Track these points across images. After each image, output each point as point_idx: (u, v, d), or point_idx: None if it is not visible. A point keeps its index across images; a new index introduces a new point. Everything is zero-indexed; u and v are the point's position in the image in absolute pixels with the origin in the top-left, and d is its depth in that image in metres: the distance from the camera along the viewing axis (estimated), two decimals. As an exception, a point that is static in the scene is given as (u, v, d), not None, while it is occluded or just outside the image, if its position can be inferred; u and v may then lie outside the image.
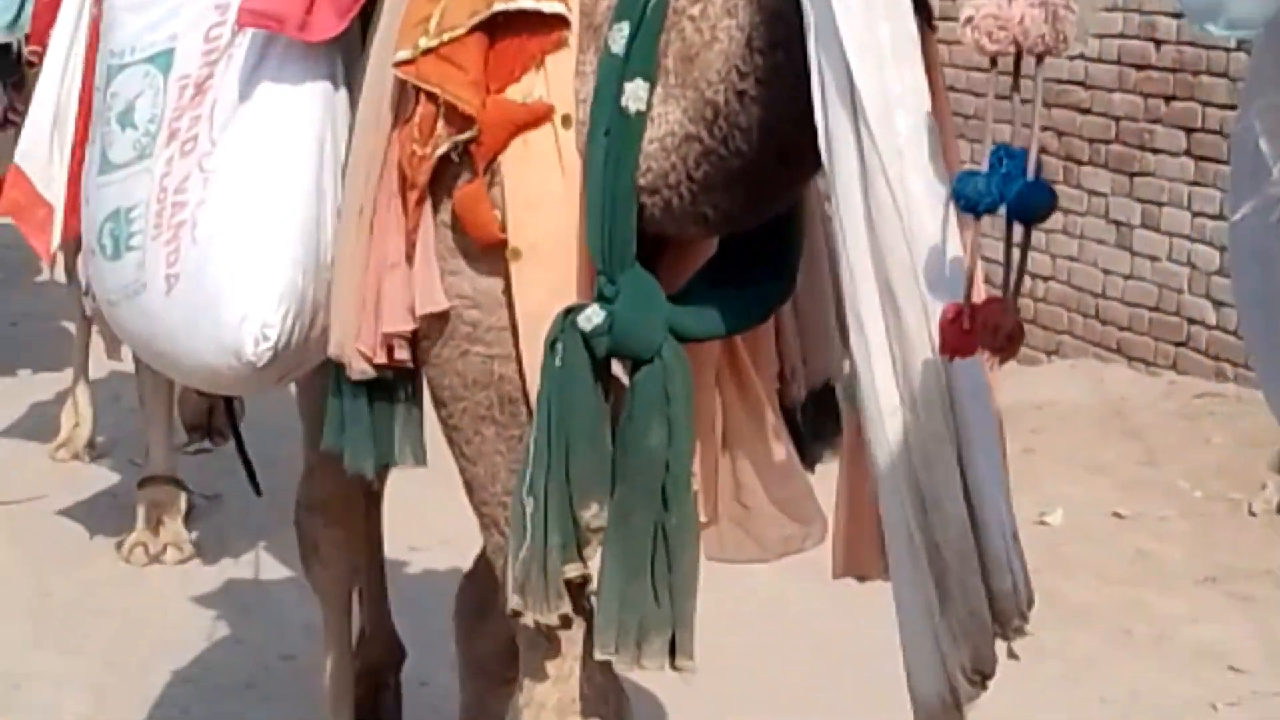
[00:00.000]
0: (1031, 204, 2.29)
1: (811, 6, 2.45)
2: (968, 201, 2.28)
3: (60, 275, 6.80)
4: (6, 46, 6.31)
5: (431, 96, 2.86)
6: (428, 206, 2.91)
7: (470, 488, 3.02)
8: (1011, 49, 2.24)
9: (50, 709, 4.73)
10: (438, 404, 3.01)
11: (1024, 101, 2.28)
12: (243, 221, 3.18)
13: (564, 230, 2.82)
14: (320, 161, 3.19)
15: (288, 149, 3.19)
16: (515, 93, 2.84)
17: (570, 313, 2.78)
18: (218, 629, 5.20)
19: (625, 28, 2.76)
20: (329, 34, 3.15)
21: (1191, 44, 7.07)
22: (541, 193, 2.83)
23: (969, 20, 2.21)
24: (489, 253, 2.87)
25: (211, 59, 3.26)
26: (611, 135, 2.76)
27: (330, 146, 3.20)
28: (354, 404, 3.04)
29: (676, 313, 2.81)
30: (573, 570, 2.80)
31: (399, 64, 2.90)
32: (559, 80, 2.84)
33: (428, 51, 2.86)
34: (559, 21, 2.83)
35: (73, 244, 5.34)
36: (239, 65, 3.23)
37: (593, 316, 2.76)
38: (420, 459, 3.09)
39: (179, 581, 5.58)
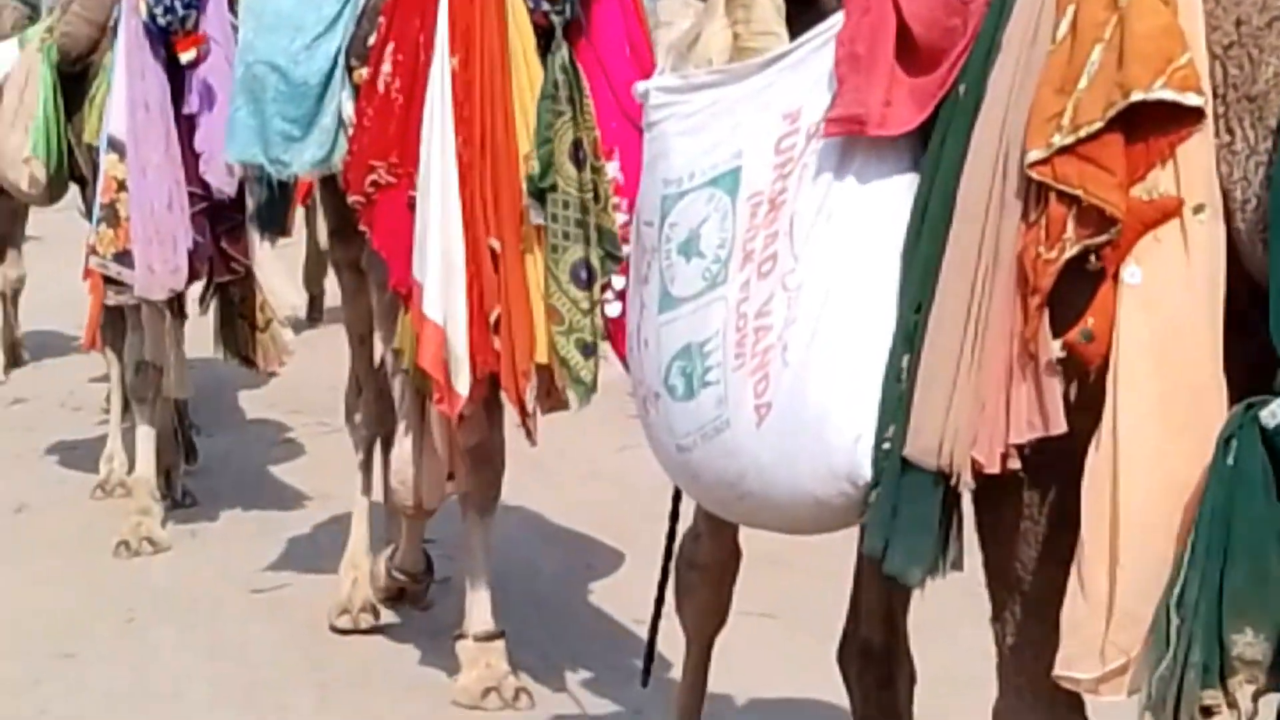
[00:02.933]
0: None
1: None
2: None
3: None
4: (273, 197, 5.85)
5: (1063, 197, 2.71)
6: (1046, 314, 2.73)
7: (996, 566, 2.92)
8: None
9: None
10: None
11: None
12: (840, 334, 2.98)
13: (1176, 328, 2.65)
14: None
15: (878, 250, 3.00)
16: (1140, 191, 2.69)
17: (1251, 407, 2.56)
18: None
19: None
20: (909, 126, 3.00)
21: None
22: (1161, 290, 2.67)
23: None
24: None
25: (785, 171, 3.09)
26: None
27: None
28: (916, 510, 2.84)
29: None
30: (1210, 698, 2.58)
31: (1033, 164, 2.73)
32: (1190, 171, 2.68)
33: (1063, 150, 2.71)
34: (1194, 115, 2.67)
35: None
36: (816, 173, 3.06)
37: (1278, 411, 2.53)
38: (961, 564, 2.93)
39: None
